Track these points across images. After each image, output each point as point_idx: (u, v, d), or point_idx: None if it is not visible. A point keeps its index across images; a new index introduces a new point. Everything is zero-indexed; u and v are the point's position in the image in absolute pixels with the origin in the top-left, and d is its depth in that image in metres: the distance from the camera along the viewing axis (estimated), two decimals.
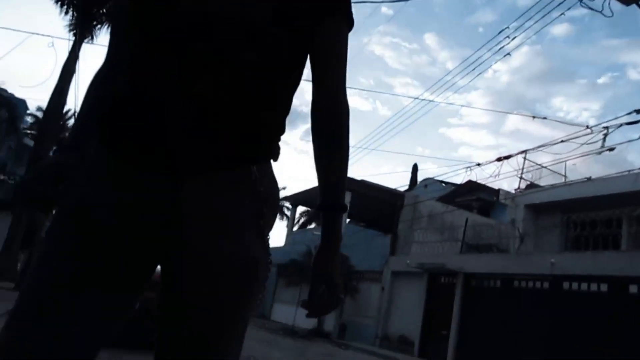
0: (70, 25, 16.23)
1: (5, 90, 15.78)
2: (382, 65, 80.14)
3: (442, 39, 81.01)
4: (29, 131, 21.36)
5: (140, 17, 1.05)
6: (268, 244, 1.05)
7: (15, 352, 0.88)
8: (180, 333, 0.96)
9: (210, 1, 1.01)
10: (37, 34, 39.18)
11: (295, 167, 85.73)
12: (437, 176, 22.63)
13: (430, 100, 26.77)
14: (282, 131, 1.11)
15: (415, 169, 28.75)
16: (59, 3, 15.77)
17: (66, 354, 0.90)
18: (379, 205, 20.67)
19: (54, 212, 1.03)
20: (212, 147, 0.99)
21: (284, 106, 1.11)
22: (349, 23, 1.14)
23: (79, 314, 0.92)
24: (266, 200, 1.04)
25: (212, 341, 0.96)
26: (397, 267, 17.16)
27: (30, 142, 19.67)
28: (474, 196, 21.87)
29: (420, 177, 27.29)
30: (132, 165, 0.97)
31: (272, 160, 1.10)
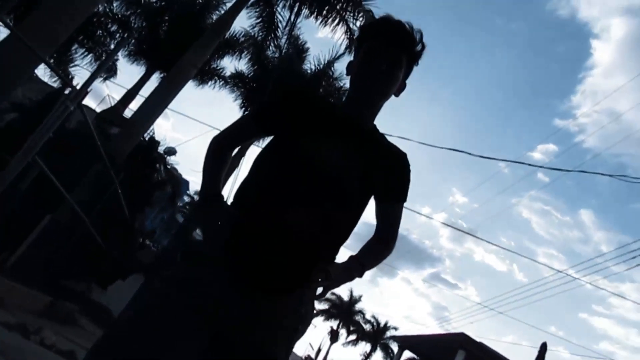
0: None
1: (176, 170, 17.77)
2: (527, 230, 76.71)
3: (600, 219, 75.89)
4: (182, 209, 23.65)
5: (269, 156, 1.47)
6: (292, 349, 1.42)
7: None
8: None
9: (324, 173, 1.39)
10: (217, 129, 44.64)
11: (411, 308, 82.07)
12: None
13: (575, 279, 24.44)
14: (337, 254, 1.49)
15: (544, 348, 25.53)
16: (243, 110, 17.97)
17: None
18: None
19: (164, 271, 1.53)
20: (291, 279, 1.35)
21: (347, 238, 1.49)
22: (405, 201, 1.58)
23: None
24: (304, 319, 1.41)
25: None
26: None
27: (180, 219, 21.69)
28: None
29: (548, 359, 24.15)
30: (228, 272, 1.32)
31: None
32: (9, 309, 5.36)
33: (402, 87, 1.54)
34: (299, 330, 1.40)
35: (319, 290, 1.41)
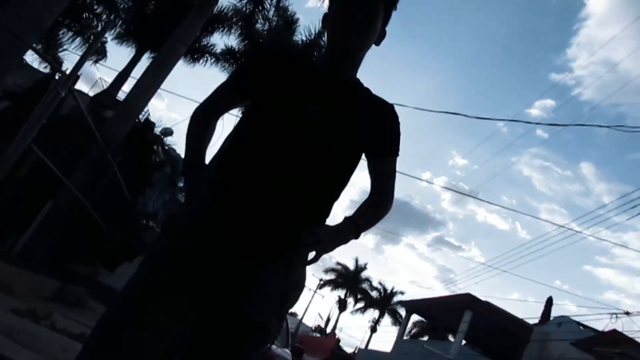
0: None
1: (174, 150, 17.69)
2: (529, 187, 76.96)
3: (601, 170, 76.09)
4: (183, 190, 23.66)
5: (248, 120, 1.42)
6: (285, 316, 1.40)
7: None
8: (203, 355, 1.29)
9: (305, 130, 1.34)
10: None
11: (417, 273, 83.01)
12: (575, 316, 20.14)
13: (577, 232, 24.61)
14: (328, 216, 1.43)
15: (549, 302, 25.99)
16: None
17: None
18: (501, 333, 18.89)
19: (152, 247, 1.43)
20: (277, 244, 1.30)
21: (336, 199, 1.44)
22: (398, 154, 1.50)
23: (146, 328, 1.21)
24: (295, 286, 1.37)
25: None
26: None
27: (182, 199, 21.76)
28: (617, 349, 18.95)
29: (554, 313, 24.53)
30: (213, 239, 1.28)
31: None
32: (17, 296, 5.44)
33: (382, 35, 1.48)
34: (290, 297, 1.35)
35: (311, 255, 1.34)
